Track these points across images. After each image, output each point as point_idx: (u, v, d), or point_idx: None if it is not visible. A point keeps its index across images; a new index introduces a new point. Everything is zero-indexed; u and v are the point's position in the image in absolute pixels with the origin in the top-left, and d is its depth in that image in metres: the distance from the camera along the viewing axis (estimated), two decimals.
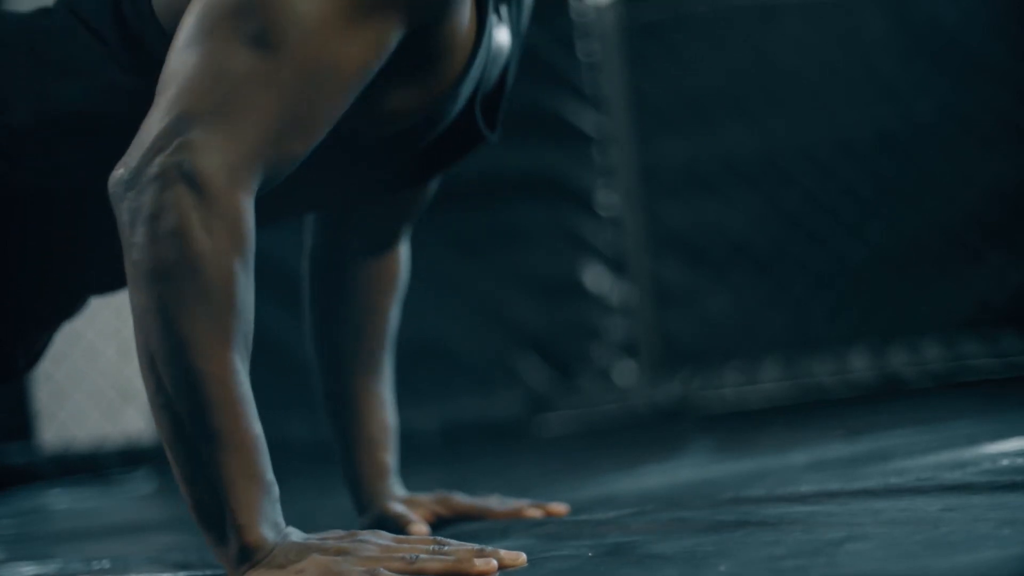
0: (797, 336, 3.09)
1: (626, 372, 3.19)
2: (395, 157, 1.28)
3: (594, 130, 3.21)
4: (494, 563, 1.01)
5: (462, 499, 1.49)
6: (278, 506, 1.03)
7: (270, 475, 1.02)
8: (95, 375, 3.20)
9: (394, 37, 1.09)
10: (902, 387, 2.87)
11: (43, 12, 1.25)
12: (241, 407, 1.01)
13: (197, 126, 1.02)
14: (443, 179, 1.58)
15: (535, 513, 1.46)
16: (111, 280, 1.32)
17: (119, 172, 1.03)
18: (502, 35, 1.31)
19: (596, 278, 3.20)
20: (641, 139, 3.21)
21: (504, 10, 1.32)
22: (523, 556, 1.04)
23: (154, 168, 1.01)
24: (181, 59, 1.05)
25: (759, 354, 3.10)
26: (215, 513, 1.01)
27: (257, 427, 1.02)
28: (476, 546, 1.04)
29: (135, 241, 1.01)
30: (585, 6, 3.24)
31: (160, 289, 1.00)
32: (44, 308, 1.32)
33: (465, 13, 1.17)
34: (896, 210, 3.06)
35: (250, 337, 1.03)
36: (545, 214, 3.21)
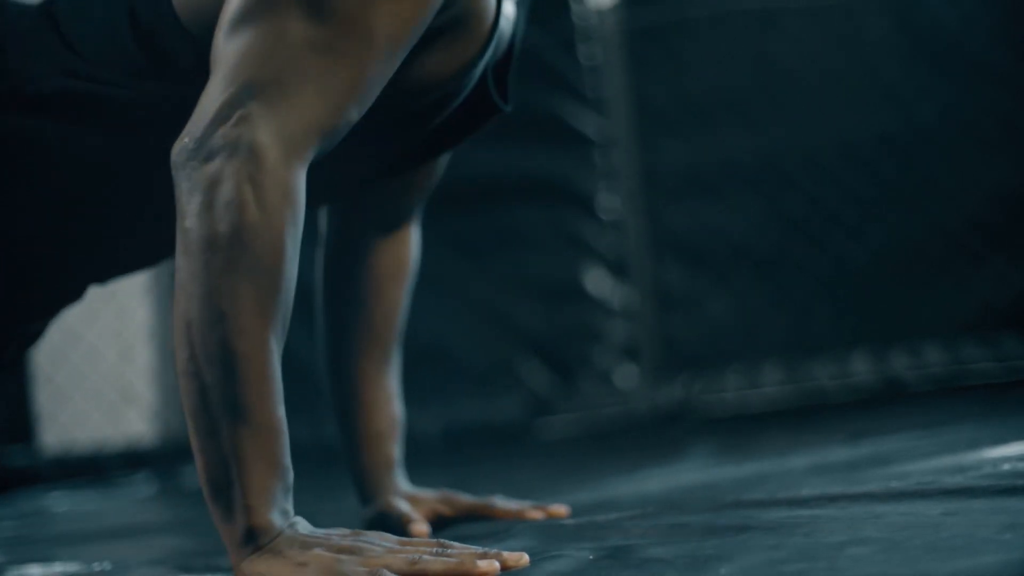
0: (798, 339, 3.09)
1: (627, 375, 3.19)
2: (417, 131, 1.28)
3: (595, 133, 3.21)
4: (496, 565, 1.01)
5: (465, 498, 1.49)
6: (290, 494, 1.03)
7: (287, 461, 1.02)
8: (96, 377, 3.20)
9: None
10: (903, 391, 2.87)
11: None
12: (269, 388, 1.01)
13: (257, 97, 1.03)
14: (445, 182, 1.59)
15: (536, 515, 1.46)
16: (114, 267, 1.32)
17: (184, 141, 1.04)
18: (509, 5, 1.31)
19: (597, 281, 3.20)
20: (642, 142, 3.21)
21: None
22: (525, 557, 1.04)
23: (216, 140, 1.02)
24: (236, 33, 1.06)
25: (760, 357, 3.10)
26: (226, 489, 1.00)
27: (281, 411, 1.02)
28: (479, 548, 1.04)
29: (190, 209, 1.01)
30: (586, 9, 3.24)
31: (208, 257, 1.00)
32: (48, 291, 1.31)
33: None
34: (897, 213, 3.05)
35: (288, 319, 1.04)
36: (546, 217, 3.20)
